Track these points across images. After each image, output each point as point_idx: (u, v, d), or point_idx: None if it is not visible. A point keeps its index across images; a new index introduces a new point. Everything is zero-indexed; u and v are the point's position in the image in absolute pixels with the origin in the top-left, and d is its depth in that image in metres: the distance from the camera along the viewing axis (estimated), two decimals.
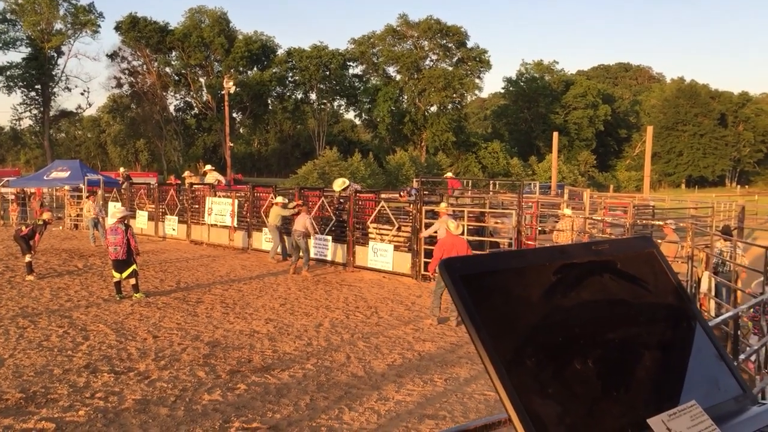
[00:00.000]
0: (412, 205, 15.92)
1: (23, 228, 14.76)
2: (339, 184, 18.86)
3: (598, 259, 0.80)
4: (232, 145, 51.39)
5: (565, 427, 0.68)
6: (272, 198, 18.54)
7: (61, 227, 26.28)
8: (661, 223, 15.02)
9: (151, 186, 25.81)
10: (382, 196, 18.85)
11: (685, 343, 0.81)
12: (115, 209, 13.52)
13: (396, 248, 15.74)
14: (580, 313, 0.75)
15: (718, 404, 0.77)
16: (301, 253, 15.77)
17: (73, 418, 6.50)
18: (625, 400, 0.72)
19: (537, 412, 0.66)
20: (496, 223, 16.67)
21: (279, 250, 17.72)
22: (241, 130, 76.37)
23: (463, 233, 14.38)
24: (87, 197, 23.51)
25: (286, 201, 18.13)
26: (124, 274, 12.52)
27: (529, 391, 0.67)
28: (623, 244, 0.85)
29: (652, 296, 0.83)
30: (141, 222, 23.98)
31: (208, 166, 26.06)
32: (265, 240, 18.82)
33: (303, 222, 15.61)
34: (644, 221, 17.25)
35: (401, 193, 19.21)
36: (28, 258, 14.34)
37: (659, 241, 13.63)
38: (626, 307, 0.80)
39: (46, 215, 15.59)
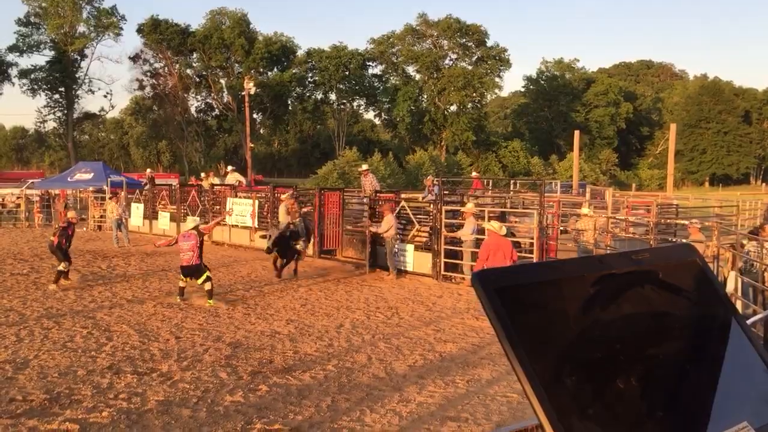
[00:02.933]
0: (432, 205, 15.86)
1: (53, 238, 13.90)
2: (364, 167, 20.11)
3: (638, 269, 0.76)
4: (252, 145, 51.64)
5: None
6: (279, 196, 18.60)
7: (84, 228, 26.54)
8: (685, 222, 14.82)
9: (173, 187, 26.00)
10: (402, 196, 18.83)
11: (733, 358, 0.76)
12: (190, 218, 13.27)
13: (416, 248, 15.68)
14: (621, 328, 0.71)
15: None
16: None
17: (96, 419, 6.54)
18: (672, 422, 0.68)
19: None
20: (516, 222, 16.57)
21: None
22: (261, 131, 76.73)
23: (483, 233, 14.34)
24: (110, 198, 23.72)
25: (289, 195, 18.22)
26: (199, 281, 12.19)
27: (569, 412, 0.63)
28: (665, 252, 0.81)
29: (697, 308, 0.79)
30: (163, 223, 24.15)
31: (230, 167, 26.24)
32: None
33: (395, 225, 15.46)
34: (668, 220, 17.06)
35: (425, 182, 19.47)
36: (62, 266, 13.57)
37: (684, 241, 13.46)
38: (670, 321, 0.75)
39: (70, 214, 15.03)
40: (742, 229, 18.30)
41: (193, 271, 12.17)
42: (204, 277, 12.13)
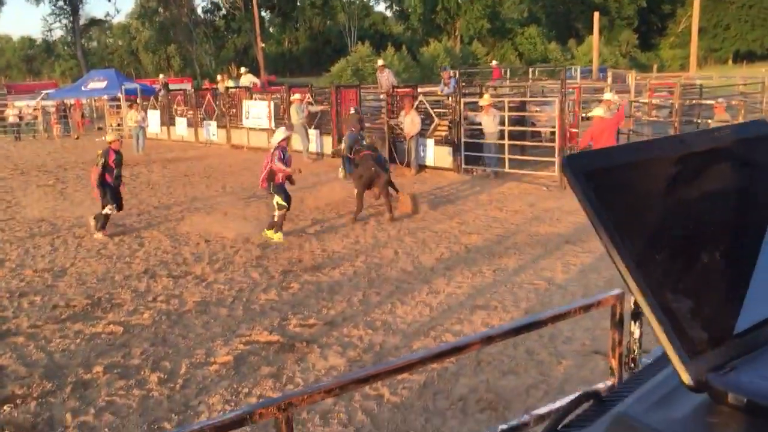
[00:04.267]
0: (450, 98, 15.63)
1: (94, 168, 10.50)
2: (379, 62, 20.42)
3: (717, 146, 0.77)
4: (263, 45, 50.58)
5: (699, 321, 0.67)
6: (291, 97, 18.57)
7: (103, 137, 26.60)
8: (711, 102, 14.52)
9: (188, 92, 25.77)
10: (419, 90, 18.53)
11: None
12: (279, 130, 10.49)
13: (436, 143, 15.59)
14: (704, 205, 0.72)
15: None
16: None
17: (138, 321, 6.81)
18: (757, 294, 0.70)
19: (670, 308, 0.65)
20: (537, 111, 16.32)
21: (311, 149, 17.97)
22: (270, 30, 74.97)
23: (503, 124, 14.20)
24: (129, 106, 23.50)
25: (302, 97, 18.14)
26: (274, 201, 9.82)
27: (661, 286, 0.65)
28: (742, 129, 0.81)
29: None
30: (181, 129, 24.12)
31: (243, 69, 25.87)
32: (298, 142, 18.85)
33: (418, 122, 15.26)
34: (692, 101, 16.71)
35: (442, 75, 19.07)
36: (108, 209, 10.39)
37: (709, 121, 13.23)
38: (750, 196, 0.76)
39: (109, 137, 10.98)
40: None
41: (272, 190, 9.83)
42: (274, 201, 9.83)
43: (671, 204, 0.70)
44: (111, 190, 10.42)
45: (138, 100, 24.40)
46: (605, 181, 0.67)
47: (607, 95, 14.92)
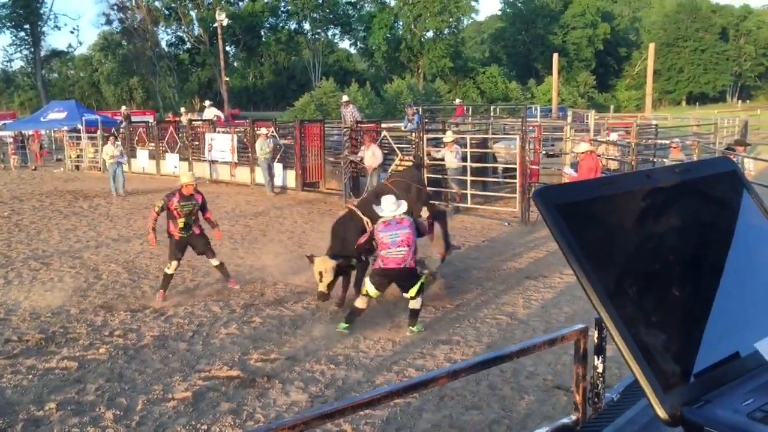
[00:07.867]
0: (414, 134, 15.77)
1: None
2: (344, 98, 20.20)
3: (683, 181, 0.79)
4: (227, 79, 50.57)
5: (672, 355, 0.68)
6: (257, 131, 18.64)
7: (62, 169, 26.17)
8: (666, 142, 14.91)
9: (150, 124, 25.53)
10: (383, 125, 18.69)
11: None
12: (389, 198, 7.84)
13: None
14: (672, 238, 0.74)
15: None
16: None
17: (94, 356, 6.63)
18: (729, 325, 0.72)
19: (644, 342, 0.65)
20: (501, 148, 16.57)
21: (277, 182, 18.04)
22: (235, 64, 75.09)
23: (465, 160, 14.38)
24: (105, 139, 21.96)
25: (267, 132, 18.19)
26: (411, 292, 7.26)
27: (634, 320, 0.66)
28: (706, 165, 0.83)
29: (739, 217, 0.82)
30: (142, 161, 23.84)
31: (207, 102, 25.79)
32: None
33: (379, 155, 15.33)
34: (648, 141, 17.14)
35: (406, 110, 19.18)
36: (169, 267, 8.77)
37: (665, 160, 13.58)
38: (716, 230, 0.78)
39: (185, 178, 8.96)
40: (720, 146, 18.48)
41: (405, 278, 7.33)
42: (418, 286, 7.30)
43: (640, 238, 0.72)
44: (176, 242, 8.84)
45: (114, 133, 23.08)
46: (576, 213, 0.69)
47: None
